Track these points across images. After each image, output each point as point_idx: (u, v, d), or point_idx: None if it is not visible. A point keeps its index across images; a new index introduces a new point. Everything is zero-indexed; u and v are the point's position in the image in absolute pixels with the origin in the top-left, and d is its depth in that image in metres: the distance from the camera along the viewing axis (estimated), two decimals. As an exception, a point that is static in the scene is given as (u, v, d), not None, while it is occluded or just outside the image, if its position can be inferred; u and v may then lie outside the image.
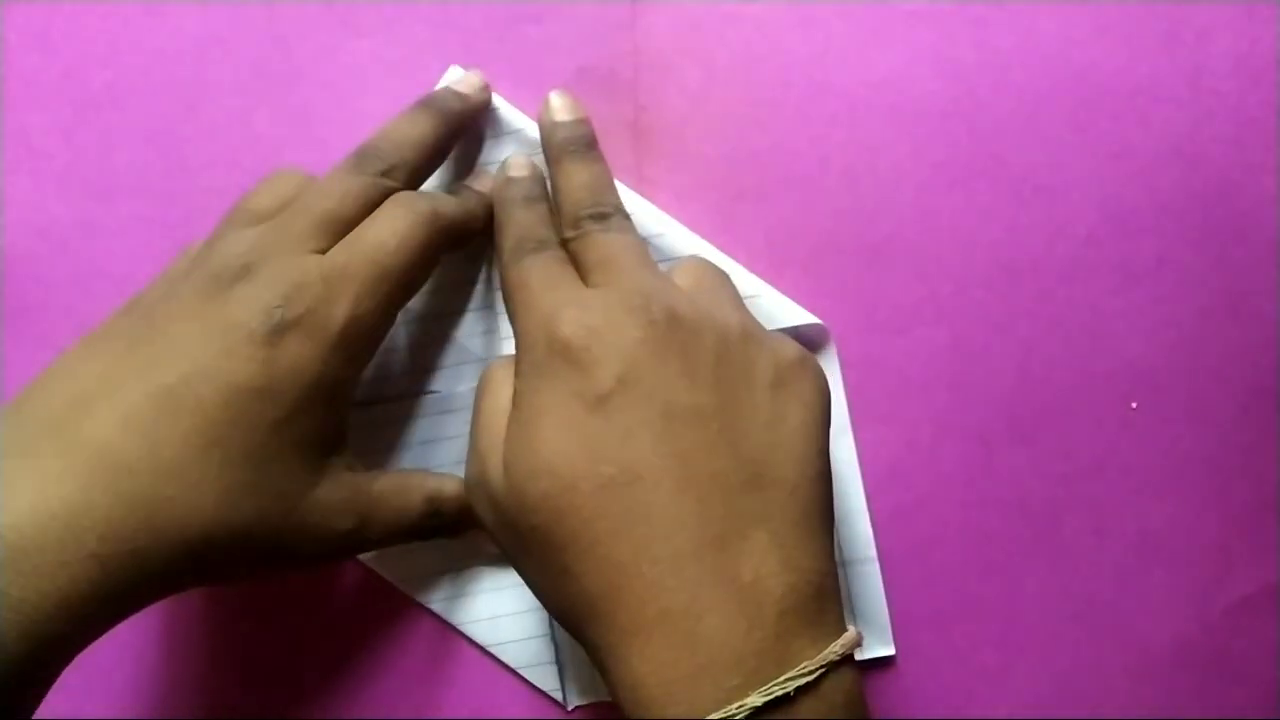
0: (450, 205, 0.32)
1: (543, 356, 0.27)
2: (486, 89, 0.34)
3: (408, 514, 0.31)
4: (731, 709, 0.23)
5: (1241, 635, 0.35)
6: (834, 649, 0.25)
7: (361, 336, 0.29)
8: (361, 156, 0.31)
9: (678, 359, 0.26)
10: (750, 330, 0.28)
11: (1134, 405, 0.35)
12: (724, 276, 0.31)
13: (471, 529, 0.33)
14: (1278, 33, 0.35)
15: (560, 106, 0.34)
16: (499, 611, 0.35)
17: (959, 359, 0.35)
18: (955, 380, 0.35)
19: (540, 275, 0.29)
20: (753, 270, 0.35)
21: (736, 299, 0.31)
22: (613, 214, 0.31)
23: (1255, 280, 0.35)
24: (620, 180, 0.34)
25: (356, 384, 0.30)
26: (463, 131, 0.34)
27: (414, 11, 0.36)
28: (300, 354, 0.28)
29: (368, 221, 0.30)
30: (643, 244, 0.31)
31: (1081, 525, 0.35)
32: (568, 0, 0.35)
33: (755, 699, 0.23)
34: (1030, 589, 0.35)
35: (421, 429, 0.35)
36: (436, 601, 0.35)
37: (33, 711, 0.26)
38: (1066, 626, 0.35)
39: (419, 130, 0.32)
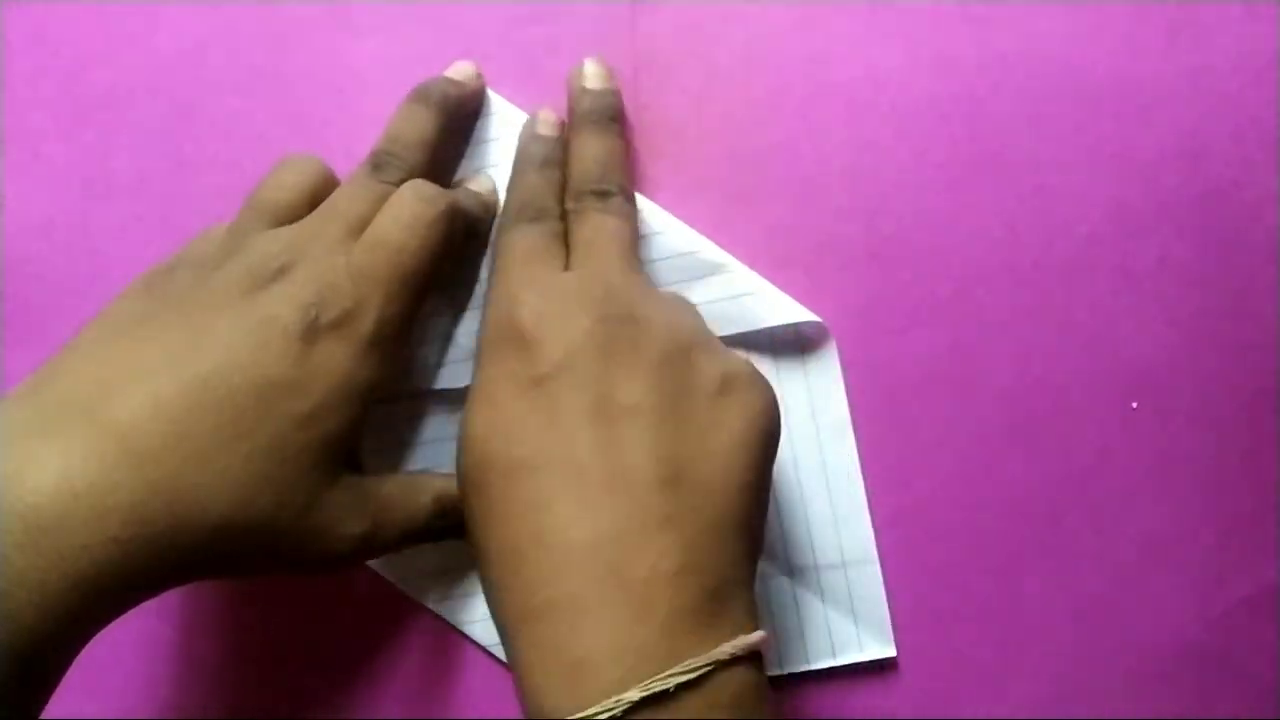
0: (465, 197, 0.32)
1: (495, 336, 0.28)
2: (479, 77, 0.35)
3: (417, 516, 0.31)
4: (609, 703, 0.23)
5: (1241, 636, 0.35)
6: (724, 649, 0.24)
7: (390, 337, 0.30)
8: (378, 163, 0.32)
9: (622, 354, 0.27)
10: (705, 340, 0.28)
11: (1134, 405, 0.35)
12: (693, 307, 0.31)
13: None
14: (1278, 32, 0.35)
15: (593, 74, 0.34)
16: (499, 611, 0.35)
17: (959, 359, 0.35)
18: (955, 380, 0.35)
19: (524, 248, 0.30)
20: (753, 270, 0.35)
21: (699, 317, 0.30)
22: (615, 194, 0.31)
23: (1255, 280, 0.35)
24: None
25: (383, 387, 0.30)
26: (463, 121, 0.34)
27: (414, 11, 0.36)
28: (333, 353, 0.28)
29: (387, 211, 0.30)
30: (634, 231, 0.31)
31: (1081, 525, 0.35)
32: (568, 0, 0.35)
33: (634, 693, 0.23)
34: (1030, 589, 0.35)
35: (427, 428, 0.35)
36: (437, 602, 0.35)
37: (52, 690, 0.26)
38: (1066, 626, 0.35)
39: (425, 129, 0.32)
